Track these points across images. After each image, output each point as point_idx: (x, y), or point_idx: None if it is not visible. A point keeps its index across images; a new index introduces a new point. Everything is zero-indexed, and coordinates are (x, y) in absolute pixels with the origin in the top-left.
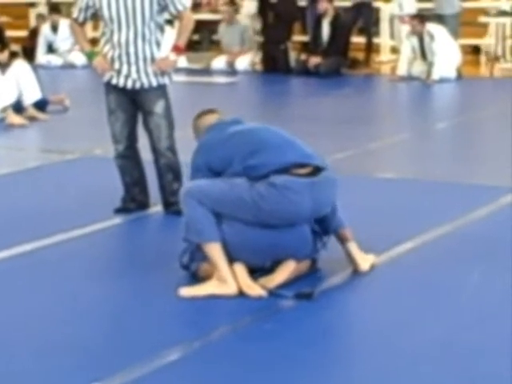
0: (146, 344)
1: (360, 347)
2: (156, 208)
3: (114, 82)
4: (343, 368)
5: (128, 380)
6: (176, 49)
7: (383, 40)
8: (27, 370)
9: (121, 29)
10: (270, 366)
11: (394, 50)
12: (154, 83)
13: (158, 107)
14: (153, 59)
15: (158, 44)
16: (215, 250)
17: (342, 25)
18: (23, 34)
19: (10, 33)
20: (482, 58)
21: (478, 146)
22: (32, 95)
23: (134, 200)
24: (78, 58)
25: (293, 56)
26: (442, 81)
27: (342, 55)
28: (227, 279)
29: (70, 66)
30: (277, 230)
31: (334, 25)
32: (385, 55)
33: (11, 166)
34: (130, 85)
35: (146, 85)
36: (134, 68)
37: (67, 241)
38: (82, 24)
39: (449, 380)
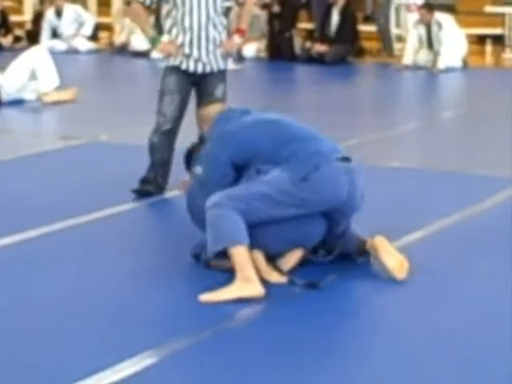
0: (156, 332)
1: (369, 335)
2: (172, 193)
3: (183, 66)
4: (353, 356)
5: (139, 368)
6: (239, 31)
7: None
8: (39, 360)
9: (192, 12)
10: (280, 351)
11: (400, 39)
12: (222, 66)
13: (219, 91)
14: (220, 42)
15: (224, 27)
16: (243, 253)
17: (352, 14)
18: (27, 18)
19: (13, 17)
20: (488, 48)
21: (485, 136)
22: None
23: (153, 182)
24: (82, 43)
25: (298, 44)
26: (448, 70)
27: (349, 44)
28: (254, 280)
29: (74, 52)
30: (306, 222)
31: (344, 13)
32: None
33: (15, 152)
34: (199, 69)
35: (215, 68)
36: (204, 52)
37: (74, 227)
38: (148, 7)
39: (460, 371)
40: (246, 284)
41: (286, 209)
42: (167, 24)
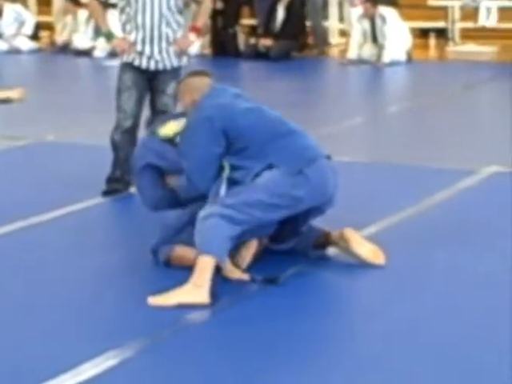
0: (117, 333)
1: (327, 332)
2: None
3: (136, 63)
4: (321, 355)
5: (100, 370)
6: (195, 30)
7: (332, 23)
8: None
9: (145, 10)
10: (245, 351)
11: (343, 34)
12: (175, 64)
13: (170, 88)
14: (174, 40)
15: (179, 25)
16: (208, 262)
17: (298, 9)
18: None
19: None
20: (431, 41)
21: (431, 129)
22: None
23: (120, 180)
24: (24, 43)
25: (242, 40)
26: (393, 64)
27: (294, 39)
28: (204, 287)
29: (15, 51)
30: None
31: (290, 9)
32: (333, 38)
33: None
34: (152, 66)
35: (168, 66)
36: (156, 49)
37: (26, 228)
38: (103, 3)
39: (419, 363)
40: (195, 290)
41: (279, 211)
42: (121, 20)
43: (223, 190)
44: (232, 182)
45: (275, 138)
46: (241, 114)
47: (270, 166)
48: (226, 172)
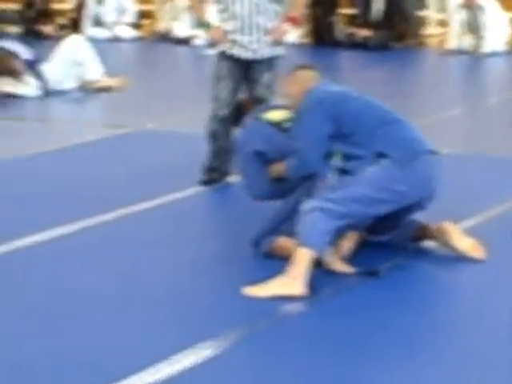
0: (213, 323)
1: (427, 325)
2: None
3: (231, 52)
4: (411, 350)
5: (196, 360)
6: (290, 19)
7: (431, 13)
8: (94, 352)
9: None
10: (338, 343)
11: (442, 24)
12: (270, 54)
13: (265, 78)
14: (270, 30)
15: (276, 15)
16: (307, 256)
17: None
18: (69, 6)
19: (56, 5)
20: None
21: None
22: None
23: (218, 170)
24: (125, 31)
25: (340, 29)
26: (493, 54)
27: (392, 29)
28: (300, 279)
29: (116, 40)
30: None
31: None
32: (433, 28)
33: (63, 141)
34: (247, 56)
35: (263, 56)
36: (251, 39)
37: (129, 216)
38: None
39: None
40: (290, 282)
41: (384, 205)
42: (219, 9)
43: (333, 180)
44: (343, 172)
45: (382, 125)
46: (349, 100)
47: (380, 155)
48: (338, 162)
